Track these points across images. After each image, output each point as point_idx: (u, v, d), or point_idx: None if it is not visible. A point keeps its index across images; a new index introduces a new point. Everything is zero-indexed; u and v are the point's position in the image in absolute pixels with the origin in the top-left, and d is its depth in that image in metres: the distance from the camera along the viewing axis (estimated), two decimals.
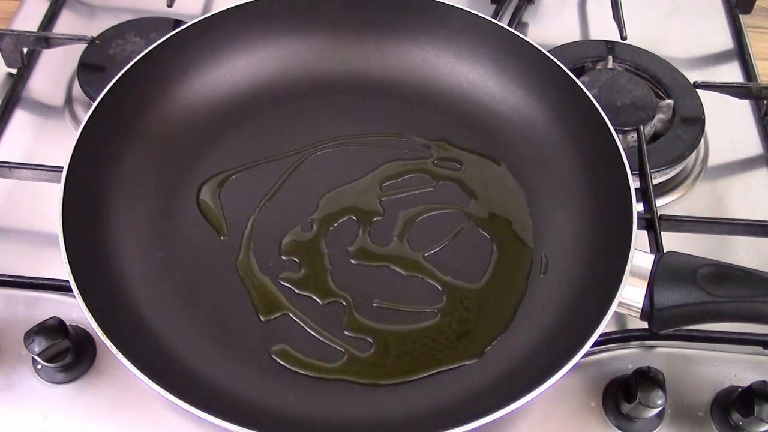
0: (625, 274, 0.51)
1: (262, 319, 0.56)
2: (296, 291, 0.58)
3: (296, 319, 0.56)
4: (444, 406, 0.52)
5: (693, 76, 0.75)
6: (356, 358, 0.55)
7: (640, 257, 0.52)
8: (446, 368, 0.54)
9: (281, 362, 0.54)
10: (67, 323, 0.52)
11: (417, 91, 0.69)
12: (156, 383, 0.46)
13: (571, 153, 0.63)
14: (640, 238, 0.56)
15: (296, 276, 0.58)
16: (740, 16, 0.85)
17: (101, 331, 0.47)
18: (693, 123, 0.71)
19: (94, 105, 0.59)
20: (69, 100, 0.74)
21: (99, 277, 0.53)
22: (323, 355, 0.55)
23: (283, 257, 0.59)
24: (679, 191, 0.70)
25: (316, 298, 0.57)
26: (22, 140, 0.71)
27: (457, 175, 0.65)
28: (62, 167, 0.55)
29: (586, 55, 0.78)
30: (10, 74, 0.75)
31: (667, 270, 0.51)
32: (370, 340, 0.55)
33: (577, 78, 0.64)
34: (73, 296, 0.49)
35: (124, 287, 0.55)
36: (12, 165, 0.63)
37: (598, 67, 0.76)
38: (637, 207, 0.56)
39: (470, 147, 0.66)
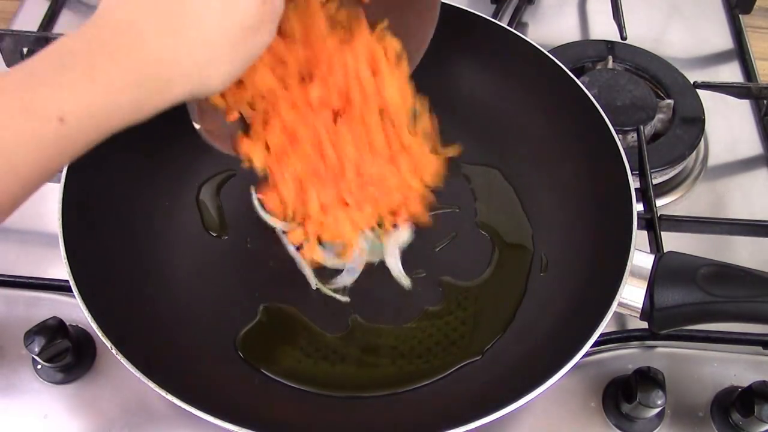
0: (625, 274, 0.51)
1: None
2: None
3: (303, 316, 0.57)
4: (444, 406, 0.52)
5: (693, 76, 0.75)
6: (360, 362, 0.55)
7: (640, 257, 0.52)
8: (447, 373, 0.54)
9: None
10: (67, 323, 0.52)
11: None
12: (156, 383, 0.46)
13: (571, 153, 0.63)
14: (640, 238, 0.56)
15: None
16: (740, 16, 0.86)
17: (101, 331, 0.47)
18: (693, 123, 0.71)
19: None
20: None
21: (99, 277, 0.53)
22: (326, 357, 0.55)
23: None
24: (679, 191, 0.70)
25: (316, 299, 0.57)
26: None
27: (457, 176, 0.65)
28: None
29: (586, 55, 0.78)
30: None
31: (667, 270, 0.51)
32: (372, 340, 0.56)
33: (577, 78, 0.64)
34: (73, 296, 0.49)
35: (123, 287, 0.55)
36: None
37: (598, 67, 0.76)
38: (637, 207, 0.56)
39: (470, 148, 0.66)
